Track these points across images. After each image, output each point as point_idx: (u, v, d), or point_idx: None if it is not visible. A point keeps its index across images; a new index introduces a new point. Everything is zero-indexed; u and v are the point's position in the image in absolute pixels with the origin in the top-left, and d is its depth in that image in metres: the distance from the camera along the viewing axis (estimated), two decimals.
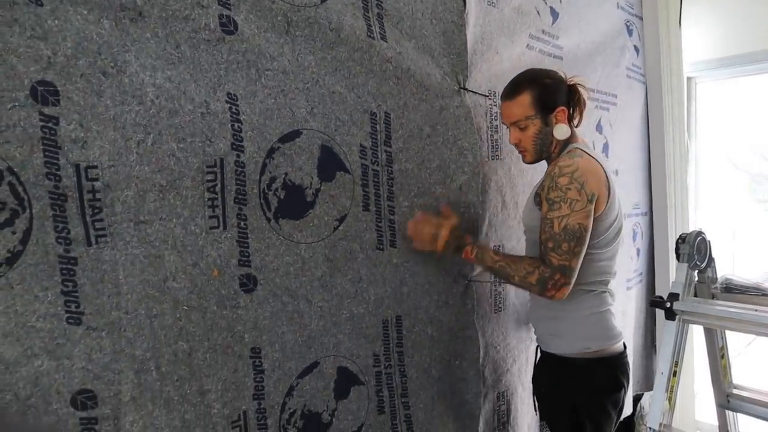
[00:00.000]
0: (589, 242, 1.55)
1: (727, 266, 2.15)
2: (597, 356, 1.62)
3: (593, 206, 1.51)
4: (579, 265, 1.52)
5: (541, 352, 1.77)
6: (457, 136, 1.77)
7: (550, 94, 1.60)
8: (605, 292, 1.66)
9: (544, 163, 1.72)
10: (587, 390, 1.63)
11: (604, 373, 1.63)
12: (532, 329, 1.83)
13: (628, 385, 1.68)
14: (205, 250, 1.24)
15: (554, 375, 1.70)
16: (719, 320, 1.83)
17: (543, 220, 1.54)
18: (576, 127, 1.69)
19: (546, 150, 1.65)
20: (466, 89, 1.79)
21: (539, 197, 1.58)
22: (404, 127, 1.62)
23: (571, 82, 1.65)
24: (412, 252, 1.68)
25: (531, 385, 1.88)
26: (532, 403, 1.84)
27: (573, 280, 1.51)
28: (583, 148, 1.61)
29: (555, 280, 1.50)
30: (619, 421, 1.73)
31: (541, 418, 1.79)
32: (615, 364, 1.64)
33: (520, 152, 1.69)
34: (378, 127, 1.56)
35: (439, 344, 1.78)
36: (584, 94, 1.66)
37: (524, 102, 1.59)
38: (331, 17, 1.41)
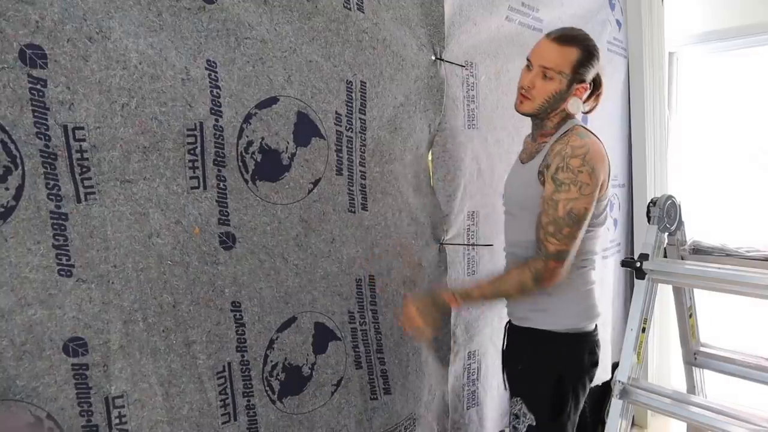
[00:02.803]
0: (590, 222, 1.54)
1: (703, 233, 2.23)
2: (580, 332, 1.62)
3: (598, 191, 1.49)
4: (576, 249, 1.49)
5: (518, 329, 1.70)
6: (427, 106, 1.83)
7: (589, 67, 1.54)
8: (593, 269, 1.66)
9: (521, 132, 1.75)
10: (573, 366, 1.62)
11: (586, 349, 1.63)
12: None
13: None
14: (186, 209, 1.30)
15: (539, 351, 1.63)
16: (686, 278, 1.90)
17: (547, 201, 1.48)
18: (586, 113, 1.68)
19: (546, 111, 1.57)
20: (443, 59, 1.85)
21: (542, 176, 1.52)
22: (379, 96, 1.68)
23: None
24: (384, 216, 1.75)
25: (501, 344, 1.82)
26: (503, 380, 1.80)
27: (568, 264, 1.48)
28: (587, 128, 1.58)
29: (549, 269, 1.47)
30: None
31: (515, 395, 1.67)
32: (594, 339, 1.66)
33: (521, 97, 1.57)
34: (353, 95, 1.61)
35: None
36: (603, 87, 1.64)
37: (569, 56, 1.51)
38: None
